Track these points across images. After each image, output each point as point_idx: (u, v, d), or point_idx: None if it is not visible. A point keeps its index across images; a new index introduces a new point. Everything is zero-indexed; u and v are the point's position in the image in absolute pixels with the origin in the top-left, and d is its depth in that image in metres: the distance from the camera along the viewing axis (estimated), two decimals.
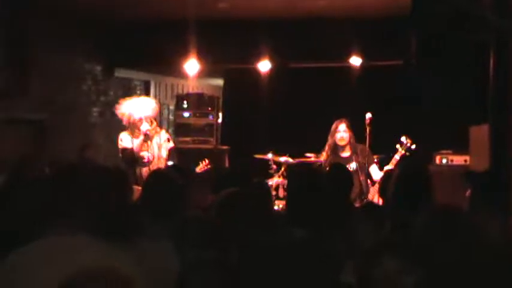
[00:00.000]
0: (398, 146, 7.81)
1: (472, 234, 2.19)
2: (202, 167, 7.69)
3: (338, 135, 7.95)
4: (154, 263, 3.21)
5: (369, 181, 7.89)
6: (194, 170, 7.60)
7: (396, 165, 7.55)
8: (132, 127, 7.52)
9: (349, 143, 7.95)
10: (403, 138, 7.80)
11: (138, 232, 3.67)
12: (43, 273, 2.57)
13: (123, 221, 3.86)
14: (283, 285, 2.42)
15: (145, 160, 7.46)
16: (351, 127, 7.98)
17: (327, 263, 2.40)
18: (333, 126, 8.03)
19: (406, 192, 3.44)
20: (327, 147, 8.05)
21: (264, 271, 2.46)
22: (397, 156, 7.74)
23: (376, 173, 7.84)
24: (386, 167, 7.56)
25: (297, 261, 2.41)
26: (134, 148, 7.44)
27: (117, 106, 7.74)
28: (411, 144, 7.74)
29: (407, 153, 7.73)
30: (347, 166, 7.84)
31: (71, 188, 3.03)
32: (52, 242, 2.79)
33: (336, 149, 7.99)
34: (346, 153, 7.98)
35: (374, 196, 7.48)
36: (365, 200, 7.56)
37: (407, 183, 3.52)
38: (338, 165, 5.93)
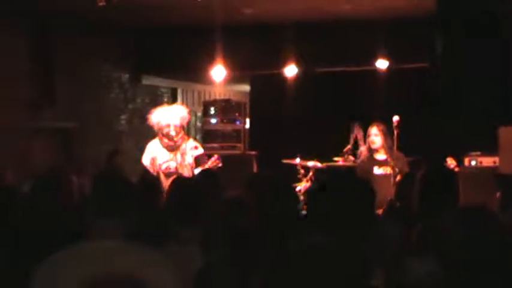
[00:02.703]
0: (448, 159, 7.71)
1: (501, 234, 2.17)
2: (211, 163, 7.62)
3: (370, 139, 7.92)
4: (181, 267, 3.24)
5: None
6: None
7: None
8: (161, 134, 7.59)
9: (383, 147, 7.88)
10: (448, 160, 7.71)
11: (166, 237, 3.71)
12: (76, 276, 2.61)
13: (153, 227, 3.91)
14: None
15: (171, 170, 7.51)
16: (385, 131, 7.91)
17: (353, 269, 2.39)
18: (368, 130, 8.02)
19: (431, 194, 3.41)
20: (364, 149, 8.03)
21: (292, 275, 2.46)
22: None
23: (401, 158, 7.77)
24: None
25: (325, 267, 2.41)
26: (160, 159, 7.53)
27: (149, 115, 7.81)
28: (455, 167, 7.63)
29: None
30: (381, 169, 7.82)
31: (103, 194, 3.06)
32: (86, 247, 2.83)
33: (371, 151, 7.95)
34: (381, 156, 7.91)
35: None
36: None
37: (432, 184, 3.49)
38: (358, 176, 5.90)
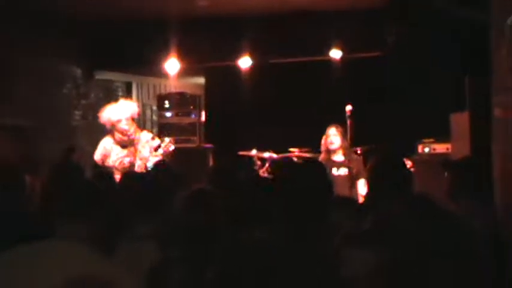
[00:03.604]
0: None
1: (444, 222, 2.20)
2: (164, 146, 7.65)
3: (328, 140, 7.95)
4: (138, 264, 3.23)
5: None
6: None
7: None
8: (113, 130, 7.61)
9: (342, 147, 7.92)
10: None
11: (120, 235, 3.69)
12: (33, 274, 2.58)
13: (108, 225, 3.88)
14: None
15: (125, 165, 7.51)
16: (343, 133, 7.96)
17: (302, 262, 2.41)
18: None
19: (381, 183, 3.44)
20: (322, 149, 8.06)
21: (241, 270, 2.46)
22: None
23: (362, 188, 7.73)
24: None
25: (273, 261, 2.42)
26: (113, 155, 7.54)
27: (99, 114, 7.85)
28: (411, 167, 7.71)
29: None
30: (339, 170, 7.86)
31: (58, 192, 3.04)
32: (30, 247, 2.80)
33: (328, 152, 7.98)
34: (338, 158, 7.95)
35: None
36: None
37: (383, 172, 3.52)
38: (313, 161, 5.93)
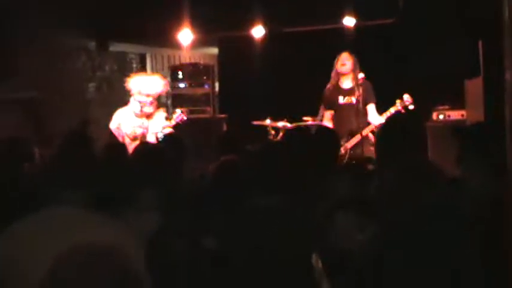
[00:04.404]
0: (398, 101, 7.63)
1: (444, 189, 2.18)
2: (176, 118, 7.70)
3: (340, 62, 7.83)
4: (141, 233, 3.24)
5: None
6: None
7: (387, 118, 7.41)
8: (133, 99, 7.66)
9: (352, 72, 7.76)
10: (405, 96, 7.63)
11: (128, 203, 3.70)
12: (37, 245, 2.61)
13: (113, 193, 3.89)
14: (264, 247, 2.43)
15: (137, 135, 7.55)
16: (356, 61, 7.81)
17: (302, 228, 2.40)
18: None
19: (388, 149, 3.40)
20: (332, 75, 7.92)
21: (242, 236, 2.46)
22: (392, 110, 7.56)
23: (372, 113, 7.66)
24: (378, 120, 7.47)
25: (274, 227, 2.41)
26: (127, 124, 7.58)
27: (128, 79, 7.90)
28: (410, 104, 7.58)
29: (403, 111, 7.59)
30: (346, 98, 7.76)
31: (68, 161, 3.06)
32: (45, 215, 2.83)
33: (337, 77, 7.85)
34: (347, 84, 7.82)
35: (368, 134, 7.39)
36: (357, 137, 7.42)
37: (388, 139, 3.48)
38: (325, 128, 5.90)
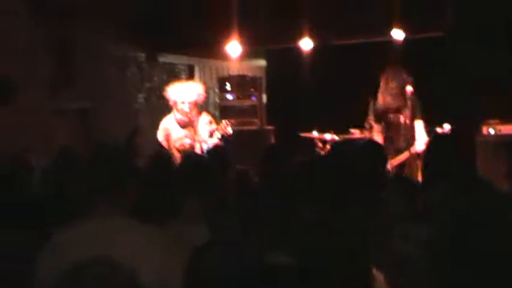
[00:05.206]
0: (438, 128, 7.54)
1: (495, 203, 2.15)
2: (220, 130, 7.64)
3: (388, 77, 7.67)
4: (185, 245, 3.26)
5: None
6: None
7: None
8: (175, 109, 7.69)
9: (401, 85, 7.50)
10: (445, 125, 7.52)
11: (174, 213, 3.74)
12: (72, 255, 2.64)
13: (161, 202, 3.93)
14: None
15: (186, 147, 7.57)
16: (404, 70, 7.72)
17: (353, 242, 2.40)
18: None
19: (437, 165, 3.38)
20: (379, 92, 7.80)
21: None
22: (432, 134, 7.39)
23: (419, 131, 7.48)
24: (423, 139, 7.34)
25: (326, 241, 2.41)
26: (174, 135, 7.60)
27: (166, 89, 7.93)
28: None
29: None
30: (395, 114, 7.62)
31: (114, 170, 3.08)
32: (92, 224, 2.86)
33: (386, 92, 7.71)
34: (396, 99, 7.56)
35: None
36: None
37: (437, 156, 3.45)
38: (370, 143, 5.85)
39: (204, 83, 12.02)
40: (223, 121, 7.65)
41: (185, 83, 8.09)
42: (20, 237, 3.35)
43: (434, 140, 3.84)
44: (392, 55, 9.48)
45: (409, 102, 7.43)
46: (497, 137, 8.39)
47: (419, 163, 7.23)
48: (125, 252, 2.63)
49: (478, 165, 7.66)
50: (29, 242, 3.17)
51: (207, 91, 11.88)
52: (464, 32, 8.91)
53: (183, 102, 7.68)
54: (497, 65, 8.78)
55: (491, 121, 8.62)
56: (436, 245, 1.97)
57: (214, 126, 7.82)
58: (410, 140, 7.39)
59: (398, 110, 7.59)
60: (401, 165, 7.40)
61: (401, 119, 7.51)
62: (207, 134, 7.66)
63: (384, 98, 7.71)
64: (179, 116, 7.67)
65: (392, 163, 7.31)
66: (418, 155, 7.32)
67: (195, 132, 7.65)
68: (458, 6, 8.88)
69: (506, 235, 1.95)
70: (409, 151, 7.29)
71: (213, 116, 10.14)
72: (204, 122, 7.72)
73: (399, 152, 7.44)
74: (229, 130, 7.49)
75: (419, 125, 7.55)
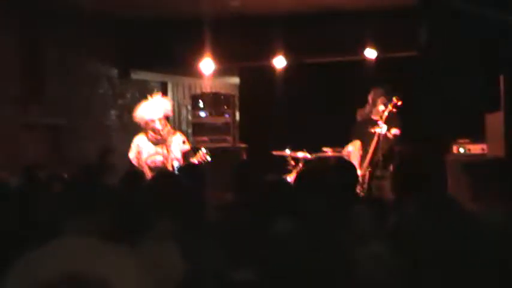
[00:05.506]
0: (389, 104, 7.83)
1: (463, 224, 2.17)
2: (199, 157, 7.59)
3: (374, 99, 8.08)
4: (159, 263, 3.24)
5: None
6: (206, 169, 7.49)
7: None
8: (147, 129, 7.63)
9: (376, 104, 8.04)
10: (394, 99, 7.84)
11: (145, 233, 3.71)
12: (40, 274, 2.61)
13: (131, 222, 3.90)
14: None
15: (157, 164, 7.53)
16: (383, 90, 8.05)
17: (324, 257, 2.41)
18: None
19: (405, 185, 3.41)
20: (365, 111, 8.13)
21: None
22: (386, 111, 7.84)
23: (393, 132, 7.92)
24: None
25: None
26: (145, 153, 7.56)
27: (134, 111, 7.86)
28: (397, 101, 7.74)
29: (395, 110, 7.75)
30: (374, 129, 7.86)
31: (85, 190, 3.07)
32: (60, 245, 2.83)
33: (369, 111, 8.07)
34: (374, 115, 8.02)
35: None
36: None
37: (405, 175, 3.49)
38: (342, 160, 5.91)
39: (176, 100, 12.07)
40: (201, 150, 7.53)
41: (149, 101, 8.01)
42: None
43: (405, 159, 3.87)
44: (365, 74, 9.58)
45: (384, 118, 7.71)
46: (467, 156, 8.47)
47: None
48: (95, 270, 2.61)
49: (449, 184, 7.76)
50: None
51: (178, 108, 11.93)
52: (435, 53, 9.02)
53: (152, 120, 7.64)
54: (468, 85, 8.89)
55: (462, 140, 8.71)
56: (403, 264, 1.98)
57: (187, 146, 7.78)
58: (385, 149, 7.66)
59: (375, 124, 7.85)
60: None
61: (377, 131, 7.76)
62: (180, 153, 7.61)
63: (365, 115, 8.01)
64: (152, 134, 7.63)
65: (364, 166, 7.50)
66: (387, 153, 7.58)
67: (168, 150, 7.60)
68: (431, 27, 8.99)
69: (475, 255, 1.97)
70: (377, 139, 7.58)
71: (186, 133, 10.15)
72: (178, 141, 7.67)
73: (375, 163, 7.66)
74: (208, 158, 7.42)
75: (395, 132, 7.81)
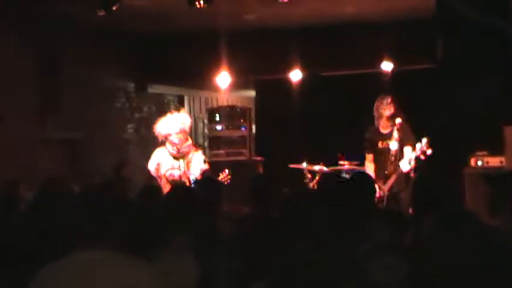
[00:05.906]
0: (417, 144, 7.53)
1: (482, 239, 2.15)
2: (222, 178, 7.60)
3: (380, 107, 7.76)
4: (176, 275, 3.24)
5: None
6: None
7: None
8: (167, 142, 7.66)
9: (392, 115, 7.58)
10: (423, 140, 7.52)
11: (161, 246, 3.70)
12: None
13: (148, 236, 3.90)
14: None
15: (175, 178, 7.53)
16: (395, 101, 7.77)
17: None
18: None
19: (424, 200, 3.38)
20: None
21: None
22: (412, 157, 7.40)
23: (407, 155, 7.44)
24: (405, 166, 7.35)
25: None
26: (164, 165, 7.56)
27: (154, 127, 7.88)
28: (427, 149, 7.42)
29: (423, 156, 7.40)
30: (385, 142, 7.66)
31: (99, 204, 3.06)
32: (77, 258, 2.83)
33: (378, 123, 7.78)
34: (386, 129, 7.73)
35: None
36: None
37: (424, 190, 3.46)
38: (360, 173, 5.86)
39: (193, 114, 12.09)
40: (225, 171, 7.53)
41: (169, 116, 8.03)
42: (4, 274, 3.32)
43: (422, 174, 3.85)
44: (382, 86, 9.53)
45: (398, 132, 7.49)
46: (485, 169, 8.42)
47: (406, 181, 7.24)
48: (111, 285, 2.61)
49: (467, 196, 7.70)
50: (14, 277, 3.14)
51: (195, 121, 11.94)
52: (454, 65, 8.98)
53: (169, 134, 7.67)
54: (486, 98, 8.84)
55: (480, 153, 8.66)
56: (421, 278, 1.96)
57: (207, 166, 7.77)
58: (397, 164, 7.41)
59: (388, 138, 7.66)
60: (393, 189, 7.42)
61: (390, 145, 7.57)
62: (199, 171, 7.58)
63: (375, 127, 7.80)
64: (171, 148, 7.65)
65: (384, 189, 7.33)
66: (405, 174, 7.34)
67: (188, 166, 7.60)
68: (448, 39, 8.95)
69: (493, 270, 1.94)
70: (396, 174, 7.32)
71: (202, 146, 10.16)
72: (199, 159, 7.67)
73: (388, 176, 7.47)
74: (229, 181, 7.43)
75: (407, 151, 7.55)
